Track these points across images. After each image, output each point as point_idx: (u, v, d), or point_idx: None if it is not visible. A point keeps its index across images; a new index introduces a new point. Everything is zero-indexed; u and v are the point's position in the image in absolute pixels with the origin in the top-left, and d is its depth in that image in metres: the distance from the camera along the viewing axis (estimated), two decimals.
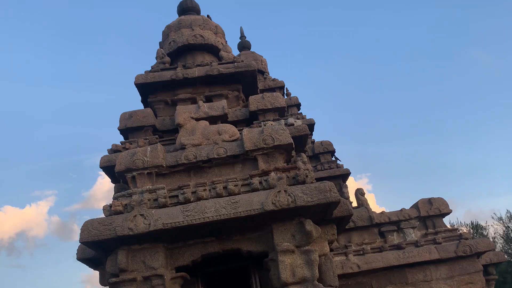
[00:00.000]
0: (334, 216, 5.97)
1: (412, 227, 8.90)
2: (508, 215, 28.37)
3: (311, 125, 12.28)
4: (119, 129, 7.21)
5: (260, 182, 5.72)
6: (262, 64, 16.62)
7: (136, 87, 7.83)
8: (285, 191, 5.36)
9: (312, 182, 5.63)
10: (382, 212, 9.07)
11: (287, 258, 5.36)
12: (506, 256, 14.89)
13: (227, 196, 5.57)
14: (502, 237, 27.58)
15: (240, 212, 5.30)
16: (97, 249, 5.54)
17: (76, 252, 6.03)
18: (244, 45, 16.97)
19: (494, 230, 28.45)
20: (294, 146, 6.23)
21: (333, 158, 13.38)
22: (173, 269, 5.54)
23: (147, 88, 7.87)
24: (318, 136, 14.40)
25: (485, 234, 28.07)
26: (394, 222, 8.96)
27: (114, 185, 6.81)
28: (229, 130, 6.44)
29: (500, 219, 28.44)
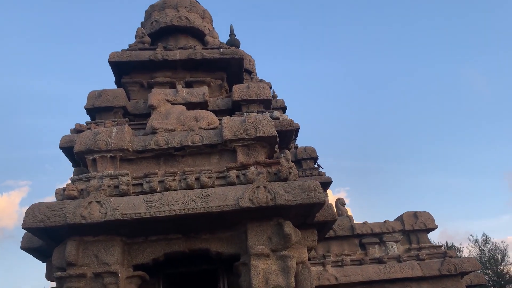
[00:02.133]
0: (317, 220, 5.38)
1: (395, 240, 8.39)
2: (484, 238, 28.38)
3: (295, 129, 11.73)
4: (85, 108, 6.49)
5: (238, 176, 5.09)
6: (250, 64, 16.07)
7: (110, 65, 7.12)
8: (264, 187, 4.75)
9: (295, 180, 5.04)
10: (365, 223, 8.54)
11: (261, 263, 4.74)
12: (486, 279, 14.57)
13: (199, 188, 4.93)
14: (476, 260, 27.50)
15: (212, 207, 4.65)
16: (44, 237, 4.81)
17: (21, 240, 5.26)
18: (233, 43, 16.34)
19: (469, 252, 28.39)
20: (278, 140, 5.63)
21: (316, 165, 12.89)
22: (130, 267, 4.85)
23: (122, 68, 7.16)
24: (300, 142, 13.86)
25: (459, 256, 27.96)
26: (376, 234, 8.43)
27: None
28: (208, 117, 5.80)
29: (476, 241, 28.42)
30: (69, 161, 6.24)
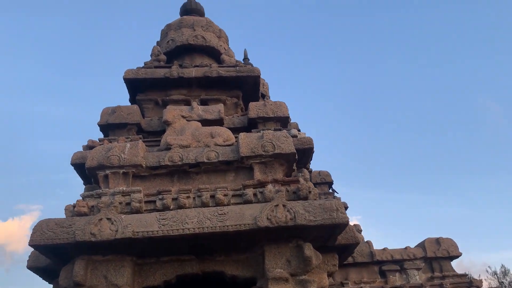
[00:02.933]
0: (338, 243, 5.07)
1: (417, 268, 7.97)
2: (503, 270, 27.35)
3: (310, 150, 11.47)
4: (99, 125, 6.36)
5: (255, 194, 4.85)
6: (263, 87, 15.98)
7: (124, 82, 7.04)
8: (283, 205, 4.49)
9: (315, 199, 4.78)
10: (385, 249, 8.15)
11: (280, 287, 4.42)
12: None
13: (214, 206, 4.69)
14: None
15: (227, 226, 4.40)
16: (51, 256, 4.58)
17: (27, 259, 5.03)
18: None
19: (488, 284, 27.32)
20: (296, 157, 5.40)
21: (331, 190, 12.57)
22: None
23: (137, 85, 7.07)
24: (314, 166, 13.54)
25: None
26: (397, 261, 8.03)
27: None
28: (224, 133, 5.62)
29: (495, 273, 27.38)
30: (81, 179, 6.07)
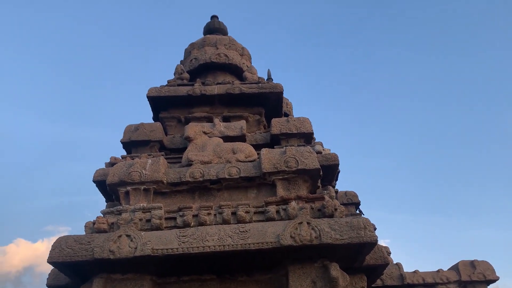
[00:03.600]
0: (366, 264, 4.82)
1: None
2: None
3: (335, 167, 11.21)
4: (121, 142, 6.34)
5: (278, 211, 4.67)
6: (287, 107, 15.86)
7: (148, 100, 7.06)
8: (308, 223, 4.30)
9: (341, 217, 4.56)
10: (415, 272, 7.75)
11: None
12: None
13: (235, 224, 4.53)
14: None
15: (249, 244, 4.23)
16: (70, 274, 4.50)
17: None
18: None
19: None
20: (321, 174, 5.21)
21: (358, 211, 12.19)
22: None
23: (160, 103, 7.08)
24: (339, 187, 13.21)
25: None
26: (429, 285, 7.61)
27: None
28: (246, 149, 5.50)
29: None
30: (103, 196, 6.03)
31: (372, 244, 4.26)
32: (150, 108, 7.33)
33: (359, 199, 12.37)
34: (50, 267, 5.11)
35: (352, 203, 12.13)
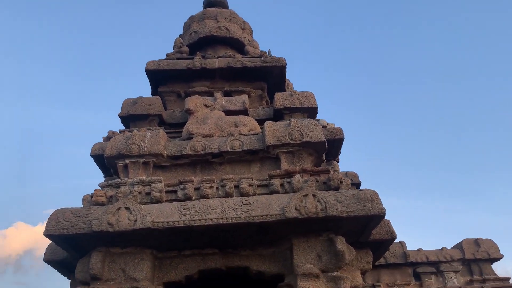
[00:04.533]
0: (372, 238, 4.69)
1: (455, 270, 7.45)
2: None
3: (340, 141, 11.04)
4: (120, 116, 6.15)
5: (282, 184, 4.53)
6: (288, 87, 15.67)
7: (146, 74, 6.84)
8: (313, 195, 4.15)
9: (347, 190, 4.41)
10: (419, 250, 7.67)
11: (309, 284, 4.08)
12: None
13: (238, 197, 4.38)
14: None
15: (253, 217, 4.08)
16: (67, 247, 4.36)
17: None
18: None
19: None
20: (327, 147, 5.05)
21: None
22: (161, 285, 4.31)
23: (158, 77, 6.86)
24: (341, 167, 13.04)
25: None
26: (432, 263, 7.53)
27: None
28: (249, 122, 5.33)
29: None
30: (101, 171, 5.87)
31: (379, 217, 4.12)
32: (149, 84, 7.14)
33: (360, 180, 12.27)
34: None
35: (352, 183, 11.99)
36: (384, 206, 4.10)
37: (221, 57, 7.02)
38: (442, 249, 7.68)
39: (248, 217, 4.08)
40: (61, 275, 5.25)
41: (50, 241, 4.59)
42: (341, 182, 4.49)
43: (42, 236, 4.08)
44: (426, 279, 7.43)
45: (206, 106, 5.64)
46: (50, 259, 4.74)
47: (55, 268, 4.94)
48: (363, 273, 4.83)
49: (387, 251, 7.57)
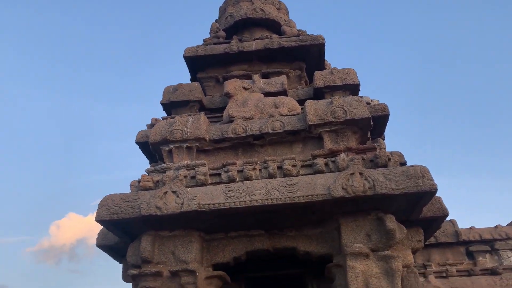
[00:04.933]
0: (423, 216, 4.53)
1: (511, 249, 7.10)
2: None
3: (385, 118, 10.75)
4: (161, 103, 6.22)
5: (326, 164, 4.43)
6: (326, 68, 15.42)
7: (185, 60, 6.87)
8: (360, 173, 4.04)
9: (396, 167, 4.26)
10: (471, 228, 7.36)
11: (359, 264, 4.00)
12: None
13: (282, 178, 4.33)
14: None
15: (298, 197, 4.03)
16: (118, 232, 4.49)
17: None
18: None
19: None
20: (371, 124, 4.89)
21: None
22: (210, 266, 4.36)
23: (197, 63, 6.87)
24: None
25: None
26: (486, 241, 7.22)
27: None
28: (289, 103, 5.25)
29: None
30: (146, 158, 5.99)
31: (431, 193, 3.96)
32: (187, 71, 7.18)
33: (405, 160, 11.88)
34: None
35: (401, 164, 11.70)
36: (435, 182, 3.92)
37: (257, 39, 6.94)
38: (496, 226, 7.34)
39: (293, 197, 4.03)
40: (113, 262, 5.45)
41: (102, 227, 4.74)
42: (389, 159, 4.36)
43: (93, 225, 4.22)
44: (480, 258, 7.14)
45: (245, 89, 5.60)
46: (102, 244, 4.91)
47: (107, 253, 5.11)
48: (414, 252, 4.68)
49: (438, 230, 7.33)
